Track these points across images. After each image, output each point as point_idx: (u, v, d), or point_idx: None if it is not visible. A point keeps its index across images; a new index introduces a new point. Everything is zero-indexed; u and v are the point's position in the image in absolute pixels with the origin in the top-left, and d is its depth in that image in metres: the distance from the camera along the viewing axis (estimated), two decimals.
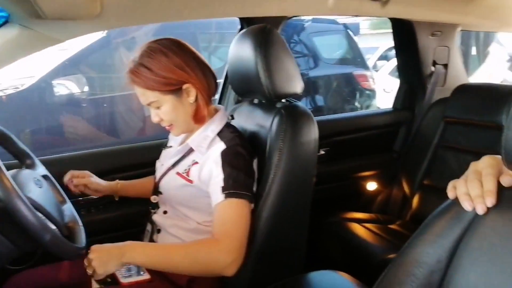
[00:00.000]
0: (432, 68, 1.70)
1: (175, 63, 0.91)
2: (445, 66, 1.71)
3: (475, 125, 1.44)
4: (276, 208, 0.96)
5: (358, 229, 1.49)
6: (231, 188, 0.90)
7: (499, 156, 0.52)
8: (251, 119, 1.13)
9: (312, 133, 1.00)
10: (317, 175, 1.65)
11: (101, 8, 0.92)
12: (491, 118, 1.36)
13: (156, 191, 1.06)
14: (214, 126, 0.98)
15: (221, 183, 0.90)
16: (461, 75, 1.77)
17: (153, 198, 1.06)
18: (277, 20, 1.30)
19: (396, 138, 1.82)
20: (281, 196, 0.96)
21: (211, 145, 0.96)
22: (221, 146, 0.94)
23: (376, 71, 5.73)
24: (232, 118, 1.06)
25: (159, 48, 0.92)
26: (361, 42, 4.94)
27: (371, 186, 1.79)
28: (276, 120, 1.00)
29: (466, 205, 0.56)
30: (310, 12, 1.34)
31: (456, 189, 0.60)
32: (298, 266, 1.08)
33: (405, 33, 1.61)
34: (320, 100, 4.37)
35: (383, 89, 4.92)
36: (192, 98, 0.95)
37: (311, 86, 4.34)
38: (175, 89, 0.92)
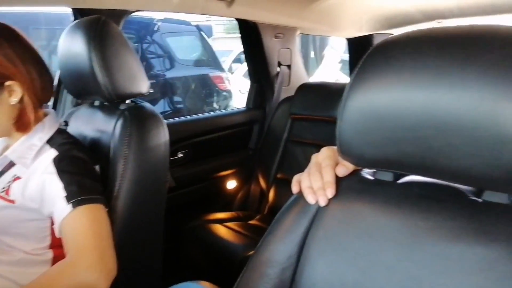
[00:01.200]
0: (278, 69, 1.80)
1: (4, 53, 0.75)
2: (289, 66, 1.84)
3: (317, 120, 1.59)
4: (125, 222, 0.86)
5: (220, 230, 1.47)
6: (77, 195, 0.75)
7: (336, 147, 0.54)
8: (91, 123, 0.99)
9: (161, 136, 0.92)
10: (177, 179, 1.59)
11: None
12: (329, 113, 1.51)
13: None
14: (42, 133, 0.81)
15: (63, 193, 0.75)
16: (302, 75, 1.93)
17: None
18: (117, 14, 1.17)
19: (250, 136, 1.87)
20: (129, 209, 0.85)
21: (38, 155, 0.80)
22: (52, 153, 0.79)
23: (232, 73, 5.95)
24: (66, 124, 0.91)
25: None
26: (216, 45, 5.05)
27: (231, 184, 1.81)
28: (119, 123, 0.89)
29: (310, 199, 0.58)
30: (153, 7, 1.25)
31: (300, 183, 0.61)
32: (156, 280, 0.99)
33: (251, 35, 1.66)
34: (178, 101, 4.30)
35: (239, 90, 5.13)
36: (15, 99, 0.77)
37: (168, 87, 4.22)
38: None
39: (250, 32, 1.66)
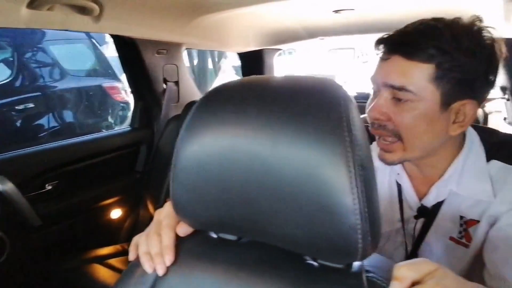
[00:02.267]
0: (164, 86, 1.70)
1: None
2: (176, 83, 1.75)
3: None
4: None
5: (99, 271, 1.31)
6: None
7: None
8: None
9: None
10: (45, 216, 1.38)
11: None
12: None
13: None
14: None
15: None
16: (192, 91, 1.85)
17: None
18: None
19: (137, 158, 1.73)
20: None
21: None
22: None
23: None
24: None
25: None
26: (110, 52, 4.72)
27: (116, 213, 1.65)
28: None
29: (147, 267, 0.50)
30: None
31: (138, 247, 0.53)
32: None
33: (129, 50, 1.53)
34: (69, 116, 3.91)
35: None
36: None
37: (56, 100, 3.82)
38: None
39: (127, 48, 1.53)
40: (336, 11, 1.46)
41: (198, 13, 1.44)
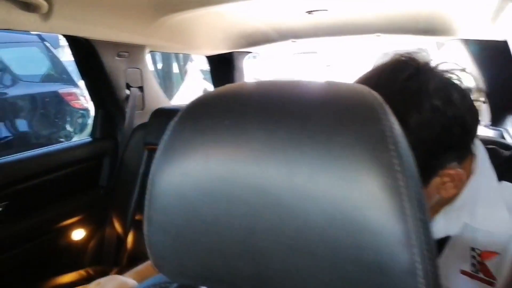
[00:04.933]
0: (127, 91, 1.56)
1: None
2: (141, 88, 1.61)
3: None
4: None
5: None
6: None
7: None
8: None
9: None
10: None
11: None
12: None
13: None
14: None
15: None
16: (158, 97, 1.72)
17: None
18: None
19: (100, 172, 1.58)
20: None
21: None
22: None
23: None
24: None
25: None
26: (66, 56, 4.44)
27: (79, 234, 1.48)
28: None
29: None
30: None
31: None
32: None
33: (86, 53, 1.38)
34: (22, 125, 3.62)
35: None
36: None
37: (7, 108, 3.53)
38: None
39: (83, 50, 1.38)
40: (310, 12, 1.38)
41: (162, 12, 1.31)
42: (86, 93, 4.10)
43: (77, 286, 1.26)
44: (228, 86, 0.38)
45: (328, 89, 0.31)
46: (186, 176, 0.33)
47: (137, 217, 1.44)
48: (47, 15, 1.03)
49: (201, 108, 0.35)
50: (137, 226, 1.43)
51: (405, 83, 0.51)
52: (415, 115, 0.49)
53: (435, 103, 0.49)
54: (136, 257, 1.39)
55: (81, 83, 3.96)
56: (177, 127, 0.34)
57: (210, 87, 4.89)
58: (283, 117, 0.29)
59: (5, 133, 3.41)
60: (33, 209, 1.34)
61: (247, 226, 0.30)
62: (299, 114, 0.29)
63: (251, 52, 2.08)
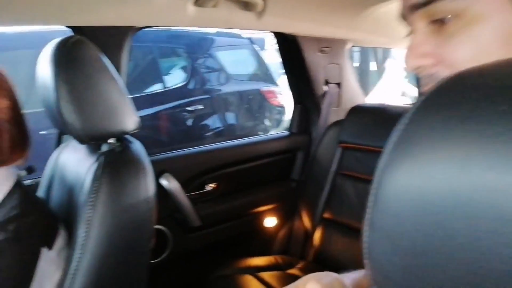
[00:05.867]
0: (325, 88, 1.54)
1: None
2: (338, 85, 1.57)
3: (371, 151, 1.30)
4: None
5: (251, 283, 1.24)
6: None
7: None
8: (72, 165, 0.82)
9: (141, 191, 0.71)
10: (204, 217, 1.40)
11: None
12: (383, 143, 1.22)
13: None
14: None
15: None
16: (356, 94, 1.65)
17: None
18: (122, 31, 1.01)
19: (294, 165, 1.63)
20: None
21: None
22: None
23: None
24: (31, 171, 0.74)
25: None
26: (269, 57, 4.88)
27: (270, 222, 1.57)
28: (91, 172, 0.70)
29: None
30: (164, 22, 1.07)
31: None
32: None
33: (290, 49, 1.43)
34: (231, 118, 4.18)
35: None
36: None
37: (221, 103, 4.13)
38: None
39: (288, 46, 1.43)
40: None
41: (368, 3, 1.23)
42: (283, 91, 4.42)
43: (265, 271, 1.34)
44: (496, 62, 0.27)
45: None
46: (431, 178, 0.24)
47: (325, 215, 1.42)
48: (261, 13, 1.09)
49: (455, 89, 0.26)
50: (325, 224, 1.40)
51: None
52: None
53: None
54: (322, 255, 1.37)
55: (280, 82, 4.28)
56: (420, 112, 0.26)
57: (411, 89, 4.48)
58: None
59: (218, 123, 4.00)
60: (235, 192, 1.49)
61: None
62: None
63: None
